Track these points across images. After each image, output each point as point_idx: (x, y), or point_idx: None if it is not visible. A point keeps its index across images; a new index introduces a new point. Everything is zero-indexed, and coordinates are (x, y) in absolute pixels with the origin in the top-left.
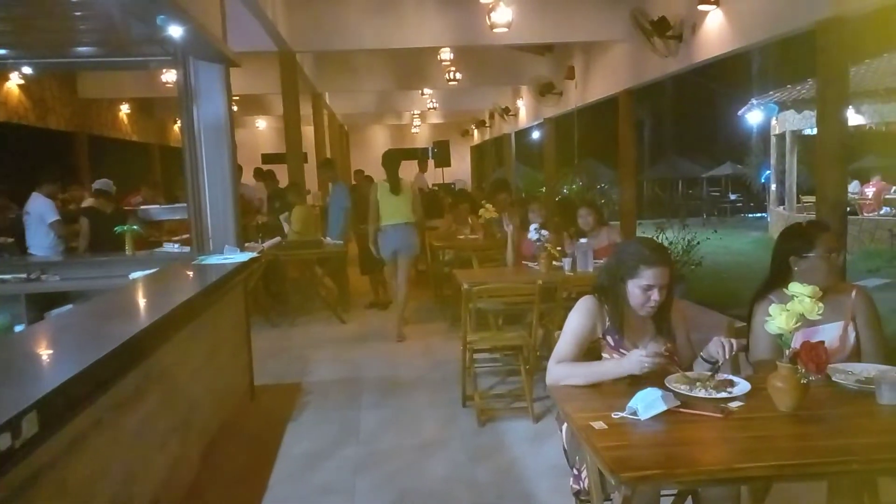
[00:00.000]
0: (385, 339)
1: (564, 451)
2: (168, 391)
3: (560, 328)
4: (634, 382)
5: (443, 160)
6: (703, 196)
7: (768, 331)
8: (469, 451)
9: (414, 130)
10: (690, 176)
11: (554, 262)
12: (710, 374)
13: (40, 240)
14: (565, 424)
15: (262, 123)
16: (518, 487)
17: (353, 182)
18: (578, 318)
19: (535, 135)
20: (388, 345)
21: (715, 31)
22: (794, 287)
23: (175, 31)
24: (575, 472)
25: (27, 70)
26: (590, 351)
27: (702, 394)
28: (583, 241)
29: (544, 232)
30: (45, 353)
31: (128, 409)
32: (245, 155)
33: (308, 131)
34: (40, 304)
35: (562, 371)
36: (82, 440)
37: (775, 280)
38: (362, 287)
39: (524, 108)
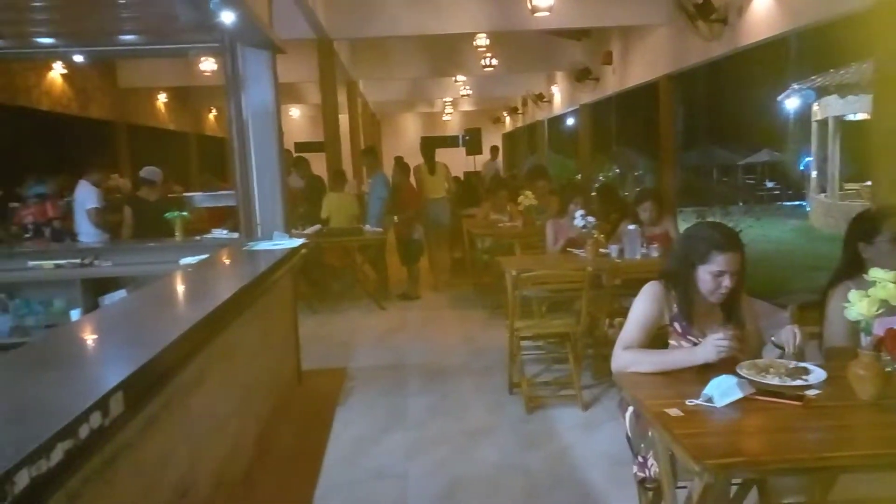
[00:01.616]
0: (426, 327)
1: (628, 438)
2: (227, 375)
3: (608, 316)
4: (704, 370)
5: (474, 148)
6: (738, 184)
7: (847, 317)
8: (519, 438)
9: (445, 118)
10: (726, 163)
11: (600, 250)
12: (782, 361)
13: (87, 227)
14: (629, 411)
15: (295, 112)
16: (572, 475)
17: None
18: (644, 305)
19: (569, 121)
20: (430, 332)
21: (763, 13)
22: (876, 272)
23: (227, 17)
24: (640, 459)
25: (78, 58)
26: (656, 337)
27: (775, 381)
28: (631, 227)
29: (590, 218)
30: (117, 336)
31: (193, 391)
32: None
33: (342, 120)
34: (93, 289)
35: (628, 357)
36: (155, 421)
37: (848, 267)
38: (401, 275)
39: (559, 95)
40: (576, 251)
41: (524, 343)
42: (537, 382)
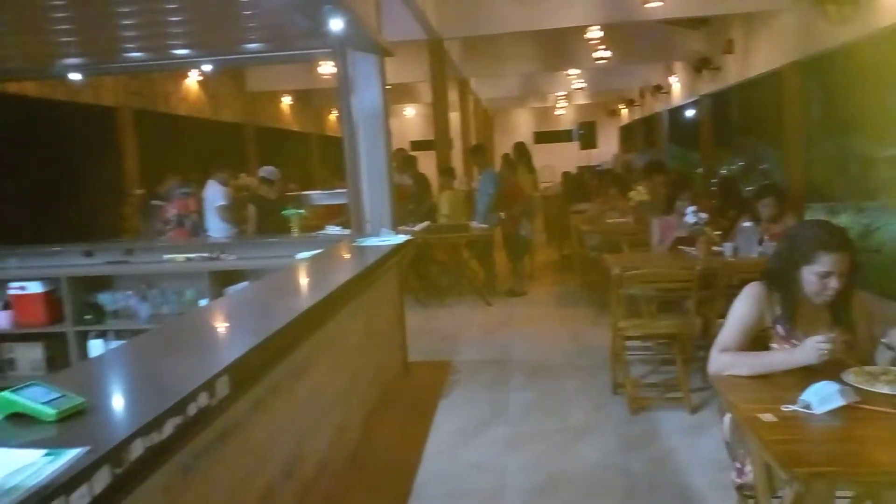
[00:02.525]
0: (531, 324)
1: (726, 443)
2: (334, 362)
3: (720, 316)
4: (806, 375)
5: (589, 142)
6: (880, 178)
7: None
8: (620, 439)
9: (558, 112)
10: (866, 155)
11: (714, 248)
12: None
13: (216, 223)
14: (727, 416)
15: (410, 111)
16: (673, 479)
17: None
18: (744, 306)
19: (689, 113)
20: (535, 329)
21: None
22: None
23: (335, 24)
24: (738, 465)
25: (206, 67)
26: (756, 340)
27: (886, 390)
28: (746, 224)
29: (702, 214)
30: (230, 324)
31: (300, 376)
32: (395, 142)
33: (454, 117)
34: (220, 281)
35: (726, 360)
36: (262, 404)
37: None
38: (508, 272)
39: (677, 85)
40: (686, 249)
41: (631, 343)
42: (643, 384)
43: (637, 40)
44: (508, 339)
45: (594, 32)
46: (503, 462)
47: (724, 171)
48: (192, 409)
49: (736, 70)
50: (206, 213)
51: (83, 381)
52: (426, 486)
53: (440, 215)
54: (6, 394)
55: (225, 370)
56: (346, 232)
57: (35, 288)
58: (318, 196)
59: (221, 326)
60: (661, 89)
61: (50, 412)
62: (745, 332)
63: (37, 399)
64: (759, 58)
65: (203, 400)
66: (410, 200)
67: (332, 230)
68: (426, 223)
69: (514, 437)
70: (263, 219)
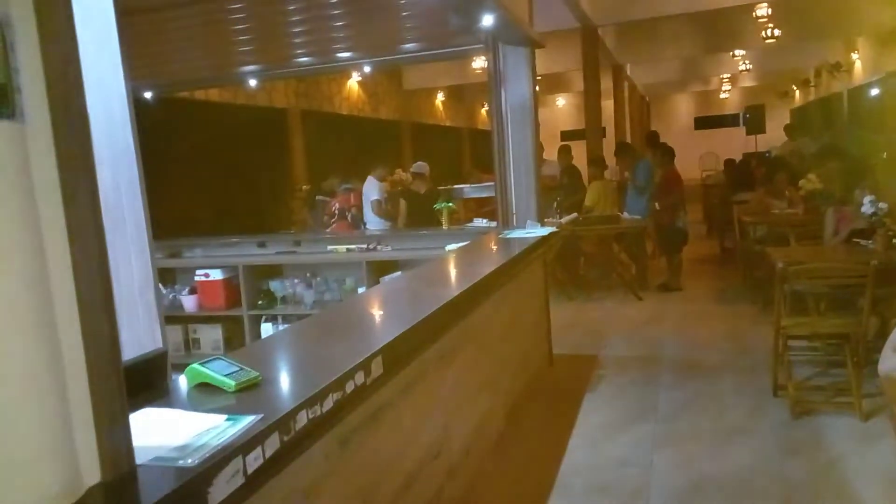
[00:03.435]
0: (685, 320)
1: None
2: (479, 350)
3: None
4: None
5: (756, 126)
6: None
7: None
8: (779, 444)
9: (723, 96)
10: None
11: (894, 241)
12: None
13: (372, 216)
14: None
15: (561, 101)
16: (839, 489)
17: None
18: None
19: (874, 92)
20: (689, 326)
21: None
22: None
23: (487, 19)
24: None
25: (366, 68)
26: None
27: None
28: None
29: (882, 204)
30: (383, 311)
31: (447, 362)
32: (545, 132)
33: (607, 105)
34: (377, 270)
35: None
36: (413, 386)
37: None
38: (656, 266)
39: (860, 62)
40: (863, 242)
41: (795, 344)
42: (808, 386)
43: (811, 15)
44: (660, 336)
45: (763, 10)
46: (650, 459)
47: None
48: (350, 386)
49: None
50: (364, 206)
51: (258, 358)
52: (570, 479)
53: (584, 206)
54: (196, 366)
55: (379, 351)
56: (493, 224)
57: (217, 275)
58: (467, 190)
59: (376, 313)
60: (840, 67)
61: (230, 383)
62: None
63: (220, 371)
64: None
65: (360, 378)
66: (559, 192)
67: (480, 223)
68: (574, 215)
69: (663, 435)
70: (415, 212)
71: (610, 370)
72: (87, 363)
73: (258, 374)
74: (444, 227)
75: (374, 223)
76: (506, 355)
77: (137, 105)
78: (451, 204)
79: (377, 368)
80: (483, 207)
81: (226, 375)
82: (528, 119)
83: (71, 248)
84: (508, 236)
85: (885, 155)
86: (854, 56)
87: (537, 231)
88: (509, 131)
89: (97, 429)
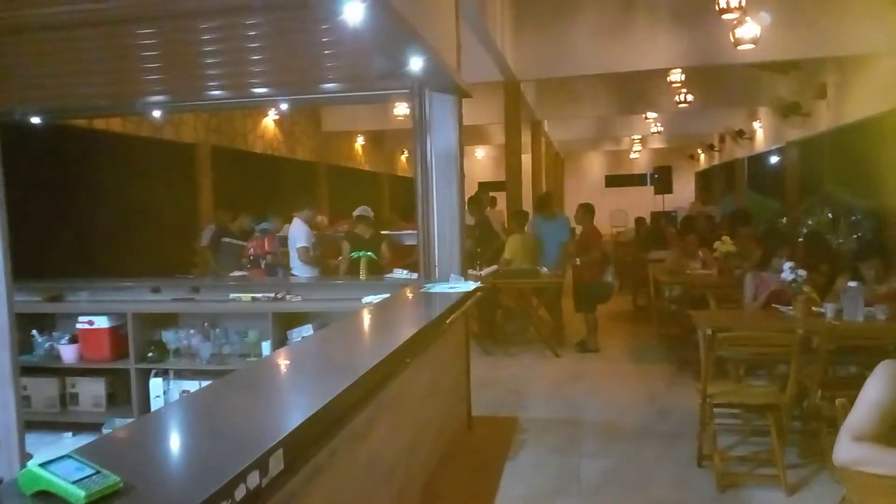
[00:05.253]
0: (604, 380)
1: None
2: (396, 422)
3: (821, 386)
4: None
5: (664, 186)
6: None
7: None
8: None
9: (633, 156)
10: None
11: (813, 308)
12: None
13: (298, 263)
14: None
15: (480, 152)
16: None
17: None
18: (881, 387)
19: (773, 160)
20: (608, 386)
21: None
22: None
23: (415, 63)
24: None
25: (283, 106)
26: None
27: None
28: (852, 283)
29: (801, 272)
30: (288, 384)
31: (360, 440)
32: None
33: (525, 159)
34: (284, 322)
35: (863, 453)
36: (320, 472)
37: None
38: (575, 322)
39: (761, 131)
40: (781, 308)
41: (718, 410)
42: (733, 457)
43: (720, 84)
44: (579, 396)
45: (677, 75)
46: None
47: (809, 223)
48: (240, 492)
49: (829, 116)
50: (290, 252)
51: (121, 453)
52: None
53: (502, 259)
54: (35, 469)
55: (279, 444)
56: (414, 276)
57: (102, 323)
58: (407, 236)
59: (278, 388)
60: (743, 134)
61: (79, 494)
62: (882, 417)
63: (67, 477)
64: (855, 103)
65: (253, 480)
66: (475, 243)
67: (400, 273)
68: (493, 267)
69: None
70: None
71: (531, 434)
72: None
73: (118, 479)
74: (361, 278)
75: (300, 271)
76: (424, 422)
77: (22, 131)
78: (370, 253)
79: (276, 465)
80: (404, 259)
81: (75, 483)
82: (453, 168)
83: None
84: (431, 290)
85: (783, 220)
86: (756, 125)
87: (461, 286)
88: (433, 180)
89: None
